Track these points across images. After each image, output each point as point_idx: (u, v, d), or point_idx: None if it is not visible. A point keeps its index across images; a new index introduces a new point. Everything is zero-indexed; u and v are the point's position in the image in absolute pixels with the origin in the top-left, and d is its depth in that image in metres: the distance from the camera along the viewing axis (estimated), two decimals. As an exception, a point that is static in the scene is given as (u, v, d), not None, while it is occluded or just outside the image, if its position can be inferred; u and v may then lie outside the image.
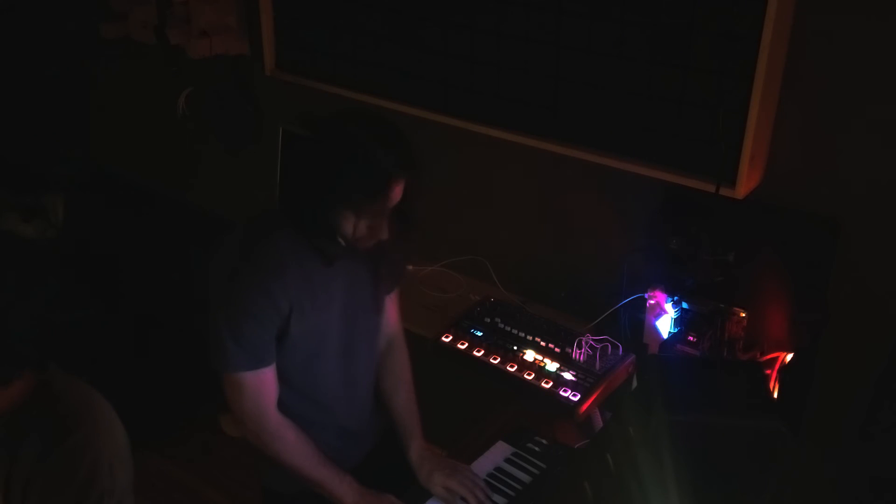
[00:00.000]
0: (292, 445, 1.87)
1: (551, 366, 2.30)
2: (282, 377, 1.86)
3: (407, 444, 2.05)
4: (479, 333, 2.45)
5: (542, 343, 2.38)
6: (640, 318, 2.36)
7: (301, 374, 1.89)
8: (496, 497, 1.99)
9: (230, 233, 1.84)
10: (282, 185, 1.88)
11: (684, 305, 2.26)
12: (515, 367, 2.32)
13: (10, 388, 1.38)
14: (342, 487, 1.89)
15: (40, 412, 1.40)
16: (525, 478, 2.05)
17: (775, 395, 2.11)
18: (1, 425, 1.38)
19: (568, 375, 2.27)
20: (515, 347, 2.38)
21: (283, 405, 1.88)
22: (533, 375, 2.28)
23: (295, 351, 1.84)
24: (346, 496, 1.89)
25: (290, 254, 1.78)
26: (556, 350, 2.35)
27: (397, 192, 1.72)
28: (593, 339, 2.33)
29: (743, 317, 2.24)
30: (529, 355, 2.35)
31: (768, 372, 2.16)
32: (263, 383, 1.82)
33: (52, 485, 1.36)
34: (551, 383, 2.25)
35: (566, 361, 2.31)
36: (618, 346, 2.33)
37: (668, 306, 2.27)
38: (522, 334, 2.42)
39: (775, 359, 2.20)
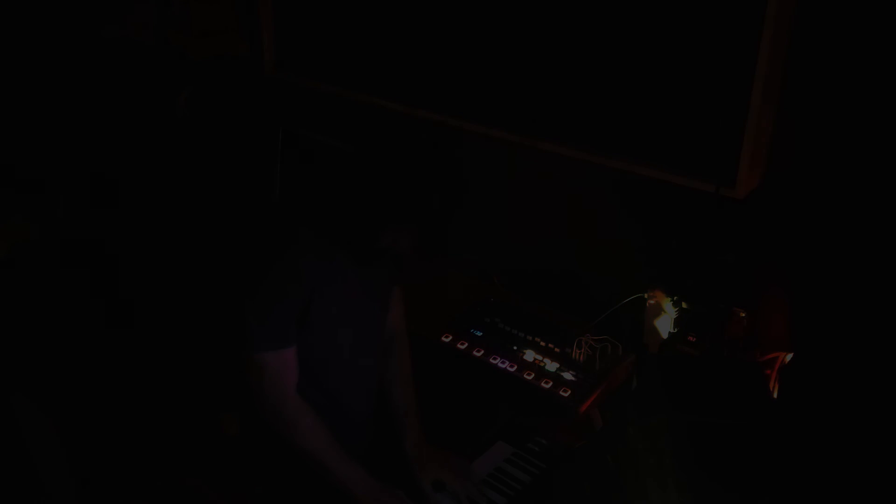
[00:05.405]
0: (309, 430, 1.89)
1: (551, 366, 2.30)
2: None
3: (402, 437, 2.06)
4: (479, 333, 2.45)
5: (542, 343, 2.38)
6: (640, 318, 2.37)
7: (312, 361, 1.92)
8: (496, 497, 1.99)
9: (246, 226, 1.88)
10: (313, 195, 1.93)
11: (684, 305, 2.26)
12: (515, 367, 2.32)
13: None
14: (354, 477, 1.90)
15: None
16: (525, 478, 2.05)
17: (775, 395, 2.11)
18: None
19: (568, 375, 2.27)
20: (515, 347, 2.38)
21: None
22: (533, 375, 2.28)
23: (308, 337, 1.88)
24: (356, 486, 1.90)
25: (313, 243, 1.83)
26: (556, 350, 2.35)
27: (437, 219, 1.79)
28: (593, 339, 2.33)
29: (743, 317, 2.24)
30: (529, 355, 2.35)
31: (768, 372, 2.16)
32: (285, 365, 1.86)
33: None
34: (551, 383, 2.25)
35: (566, 361, 2.31)
36: (618, 346, 2.33)
37: (668, 306, 2.27)
38: (522, 334, 2.42)
39: (775, 359, 2.20)
